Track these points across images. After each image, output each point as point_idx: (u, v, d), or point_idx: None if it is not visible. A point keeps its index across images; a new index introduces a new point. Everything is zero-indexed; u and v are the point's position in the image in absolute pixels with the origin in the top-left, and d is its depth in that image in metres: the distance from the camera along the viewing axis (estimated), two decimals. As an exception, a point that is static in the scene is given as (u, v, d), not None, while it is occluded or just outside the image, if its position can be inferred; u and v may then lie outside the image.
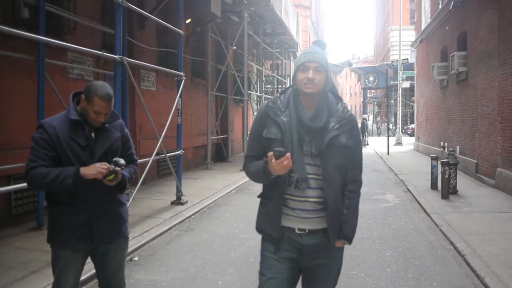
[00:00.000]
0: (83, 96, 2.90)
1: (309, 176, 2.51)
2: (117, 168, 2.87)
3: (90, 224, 2.94)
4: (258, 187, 2.64)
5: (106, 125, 3.01)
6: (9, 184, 6.50)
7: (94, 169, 2.81)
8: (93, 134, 2.97)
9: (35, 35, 5.54)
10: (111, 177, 2.86)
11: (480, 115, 11.75)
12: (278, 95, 2.66)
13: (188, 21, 13.46)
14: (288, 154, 2.34)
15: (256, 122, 2.64)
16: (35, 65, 6.55)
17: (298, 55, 27.13)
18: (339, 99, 2.68)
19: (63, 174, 2.78)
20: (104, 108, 2.88)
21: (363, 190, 2.82)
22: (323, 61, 2.50)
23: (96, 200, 2.95)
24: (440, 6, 16.12)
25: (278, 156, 2.33)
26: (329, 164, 2.51)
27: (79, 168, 2.81)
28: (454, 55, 13.54)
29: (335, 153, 2.52)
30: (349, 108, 2.79)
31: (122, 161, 2.93)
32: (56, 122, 2.90)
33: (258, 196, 2.70)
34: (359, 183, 2.70)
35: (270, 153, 2.36)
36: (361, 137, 2.79)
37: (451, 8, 14.05)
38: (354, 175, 2.66)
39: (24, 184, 5.41)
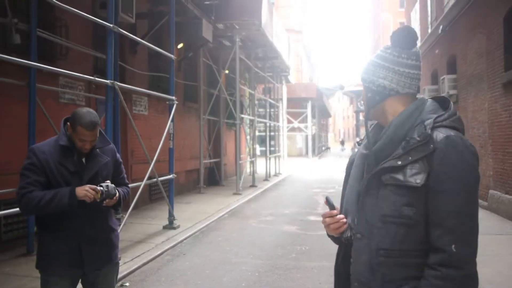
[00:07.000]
0: (68, 123, 2.91)
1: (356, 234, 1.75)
2: (105, 192, 2.85)
3: (80, 251, 2.90)
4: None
5: (97, 150, 3.01)
6: (-2, 210, 6.44)
7: (83, 191, 2.79)
8: (83, 160, 2.97)
9: (26, 61, 5.56)
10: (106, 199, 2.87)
11: (471, 137, 11.82)
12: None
13: (180, 46, 13.56)
14: (334, 212, 1.78)
15: None
16: (26, 90, 6.53)
17: (290, 79, 27.21)
18: (436, 109, 1.75)
19: (59, 195, 2.78)
20: (88, 136, 2.87)
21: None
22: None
23: (86, 226, 2.92)
24: (429, 30, 16.38)
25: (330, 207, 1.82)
26: (369, 213, 1.68)
27: (75, 188, 2.80)
28: (444, 78, 13.70)
29: (385, 195, 1.64)
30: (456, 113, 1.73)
31: (111, 185, 2.91)
32: (46, 147, 2.91)
33: None
34: (446, 255, 1.53)
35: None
36: None
37: (440, 32, 14.27)
38: (435, 239, 1.56)
39: (14, 210, 5.37)
